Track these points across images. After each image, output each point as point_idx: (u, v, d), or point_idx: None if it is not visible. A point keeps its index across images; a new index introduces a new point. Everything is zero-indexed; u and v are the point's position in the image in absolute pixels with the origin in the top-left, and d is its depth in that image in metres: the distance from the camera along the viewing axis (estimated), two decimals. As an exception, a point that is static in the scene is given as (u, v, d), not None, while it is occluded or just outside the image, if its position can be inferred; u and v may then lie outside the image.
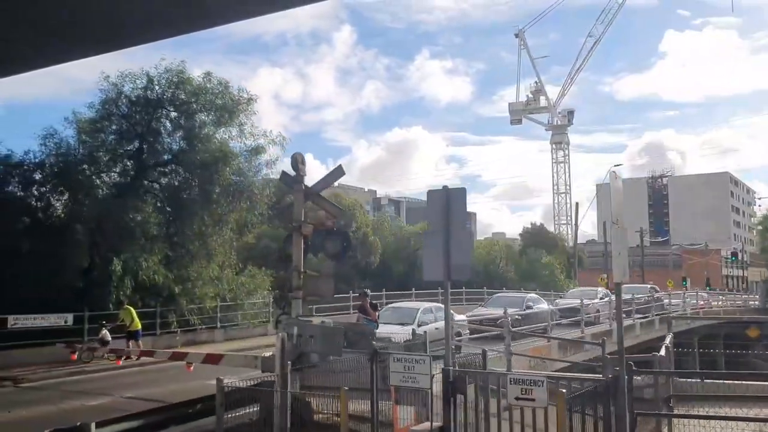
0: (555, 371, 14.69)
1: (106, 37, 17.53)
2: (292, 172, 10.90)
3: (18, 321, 18.35)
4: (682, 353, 21.57)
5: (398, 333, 17.06)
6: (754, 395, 10.64)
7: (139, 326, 19.39)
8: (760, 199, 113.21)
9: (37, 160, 23.30)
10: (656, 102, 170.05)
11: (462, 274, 8.25)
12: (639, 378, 8.84)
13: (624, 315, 26.69)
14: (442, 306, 21.40)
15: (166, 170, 24.21)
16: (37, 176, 23.14)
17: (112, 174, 24.04)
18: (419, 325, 18.02)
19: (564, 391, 7.21)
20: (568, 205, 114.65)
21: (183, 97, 23.59)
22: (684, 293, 42.85)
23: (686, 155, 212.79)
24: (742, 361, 27.53)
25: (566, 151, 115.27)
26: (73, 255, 19.46)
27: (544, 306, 25.44)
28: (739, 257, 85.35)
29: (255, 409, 9.58)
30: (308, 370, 10.28)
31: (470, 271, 8.41)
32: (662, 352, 10.88)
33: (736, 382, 12.13)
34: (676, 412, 9.63)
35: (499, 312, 22.96)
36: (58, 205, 22.43)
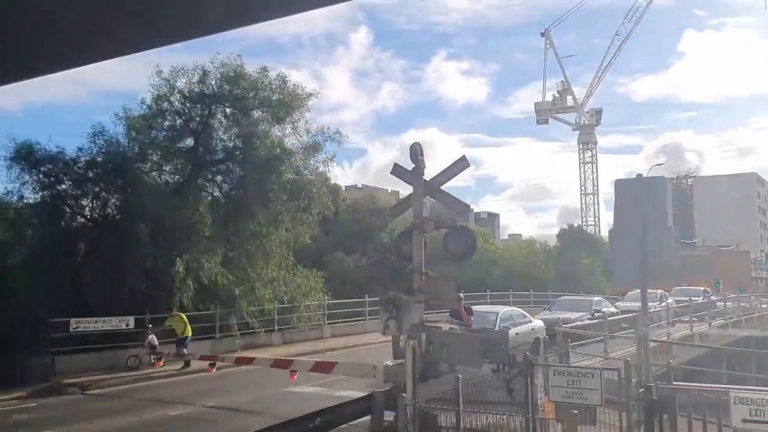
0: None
1: (115, 40, 16.87)
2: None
3: (80, 324, 17.62)
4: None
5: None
6: None
7: (189, 333, 18.69)
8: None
9: (88, 158, 22.68)
10: (674, 103, 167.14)
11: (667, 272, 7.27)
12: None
13: (695, 319, 25.80)
14: (520, 310, 20.58)
15: (221, 168, 23.38)
16: (90, 174, 22.46)
17: (166, 172, 23.25)
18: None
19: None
20: (596, 206, 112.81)
21: (239, 92, 22.76)
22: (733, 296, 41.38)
23: (704, 156, 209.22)
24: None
25: (593, 151, 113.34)
26: (134, 256, 18.71)
27: (611, 309, 24.38)
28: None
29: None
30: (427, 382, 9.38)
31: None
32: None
33: None
34: None
35: (571, 315, 22.04)
36: (112, 204, 21.71)
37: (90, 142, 22.90)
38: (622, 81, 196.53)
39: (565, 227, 60.30)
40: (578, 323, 21.50)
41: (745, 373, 15.23)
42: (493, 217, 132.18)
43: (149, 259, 19.10)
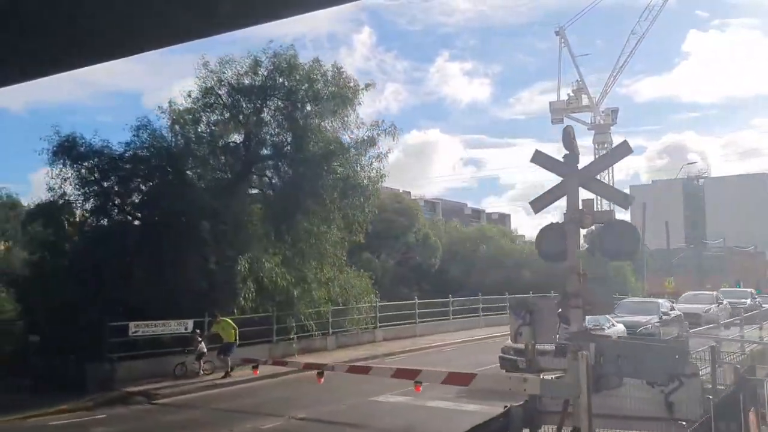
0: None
1: (118, 42, 16.17)
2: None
3: (139, 328, 16.55)
4: None
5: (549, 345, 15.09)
6: None
7: (236, 340, 17.47)
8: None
9: (133, 153, 21.65)
10: (676, 104, 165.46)
11: None
12: None
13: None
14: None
15: (272, 164, 22.32)
16: (136, 170, 21.41)
17: (216, 168, 22.15)
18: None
19: None
20: (612, 206, 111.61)
21: (291, 84, 21.68)
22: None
23: (707, 157, 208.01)
24: None
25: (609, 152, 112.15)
26: (196, 255, 17.64)
27: (676, 311, 23.36)
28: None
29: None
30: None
31: None
32: None
33: None
34: None
35: (640, 318, 20.93)
36: (164, 200, 20.63)
37: (134, 136, 21.98)
38: (625, 82, 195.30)
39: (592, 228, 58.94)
40: (649, 327, 20.49)
41: None
42: (504, 218, 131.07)
43: (211, 258, 17.98)
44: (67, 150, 20.94)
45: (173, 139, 22.52)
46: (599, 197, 12.33)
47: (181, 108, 22.79)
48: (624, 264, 53.99)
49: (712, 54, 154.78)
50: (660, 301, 24.25)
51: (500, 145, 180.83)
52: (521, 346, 15.85)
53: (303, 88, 21.69)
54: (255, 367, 11.19)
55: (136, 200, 20.90)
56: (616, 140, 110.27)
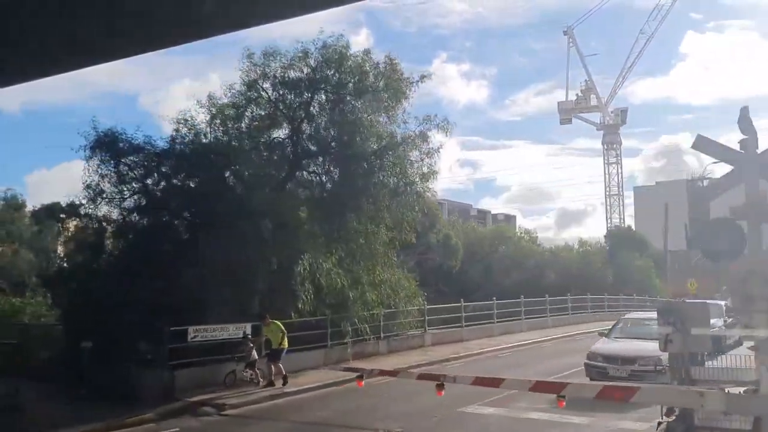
0: None
1: (115, 44, 15.53)
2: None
3: (198, 333, 15.51)
4: None
5: (646, 352, 14.23)
6: None
7: (286, 345, 16.19)
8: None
9: (174, 148, 20.67)
10: (672, 105, 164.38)
11: None
12: None
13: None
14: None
15: (321, 160, 21.29)
16: (179, 166, 20.40)
17: (261, 164, 21.10)
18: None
19: None
20: (622, 207, 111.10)
21: (341, 77, 20.68)
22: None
23: (703, 159, 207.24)
24: None
25: (618, 152, 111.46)
26: (256, 255, 16.60)
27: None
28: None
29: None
30: None
31: None
32: None
33: None
34: None
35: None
36: (209, 199, 19.62)
37: (174, 131, 21.09)
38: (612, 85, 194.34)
39: (612, 228, 58.32)
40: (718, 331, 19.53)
41: None
42: (509, 219, 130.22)
43: (273, 259, 16.95)
44: (106, 145, 20.01)
45: (214, 135, 21.55)
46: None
47: (221, 102, 21.83)
48: (648, 265, 53.20)
49: (709, 55, 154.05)
50: (721, 302, 23.25)
51: (496, 147, 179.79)
52: (612, 352, 15.06)
53: (353, 80, 20.71)
54: (360, 378, 10.12)
55: (181, 198, 19.82)
56: (615, 141, 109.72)
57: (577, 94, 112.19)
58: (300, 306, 17.24)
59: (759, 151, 7.76)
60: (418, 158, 21.32)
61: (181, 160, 20.22)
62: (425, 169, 21.36)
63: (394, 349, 21.33)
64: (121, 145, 20.09)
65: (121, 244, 19.39)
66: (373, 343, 20.52)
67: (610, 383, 8.65)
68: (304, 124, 21.14)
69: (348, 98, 20.83)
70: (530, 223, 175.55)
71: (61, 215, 47.44)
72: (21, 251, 39.05)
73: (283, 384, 15.74)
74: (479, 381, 8.78)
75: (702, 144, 8.15)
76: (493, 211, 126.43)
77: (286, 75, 21.13)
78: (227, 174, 20.27)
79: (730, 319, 21.08)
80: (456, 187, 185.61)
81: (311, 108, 21.25)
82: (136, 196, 20.22)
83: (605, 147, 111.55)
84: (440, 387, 9.67)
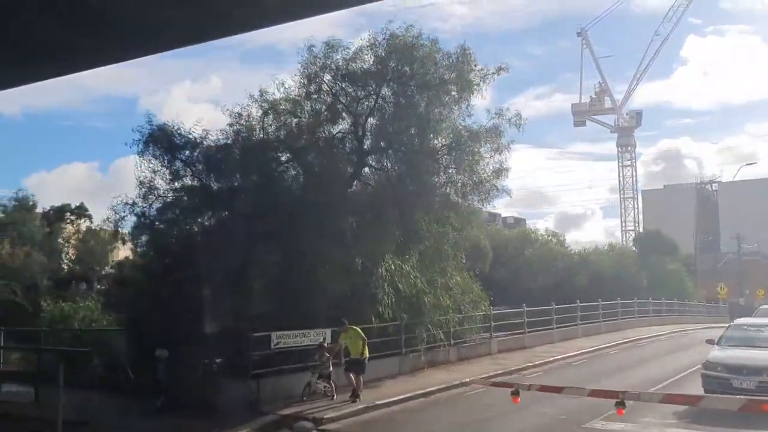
0: None
1: (112, 47, 14.55)
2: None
3: (281, 339, 14.37)
4: None
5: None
6: None
7: (367, 354, 14.81)
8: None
9: (232, 145, 19.60)
10: (671, 109, 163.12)
11: None
12: None
13: None
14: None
15: (387, 156, 20.10)
16: (236, 162, 19.29)
17: (323, 161, 19.96)
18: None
19: None
20: (636, 210, 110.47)
21: (408, 69, 19.46)
22: None
23: (703, 163, 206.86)
24: None
25: (633, 154, 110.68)
26: (338, 257, 15.46)
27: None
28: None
29: None
30: None
31: None
32: None
33: None
34: None
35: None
36: (280, 196, 18.51)
37: (229, 125, 20.00)
38: (619, 89, 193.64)
39: (641, 231, 57.25)
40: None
41: None
42: (519, 222, 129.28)
43: (356, 259, 15.81)
44: (161, 140, 18.99)
45: (270, 130, 20.46)
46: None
47: (275, 97, 20.72)
48: (680, 268, 52.13)
49: (709, 59, 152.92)
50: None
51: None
52: (735, 361, 13.91)
53: (422, 72, 19.54)
54: (515, 394, 8.92)
55: (243, 196, 18.69)
56: (614, 146, 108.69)
57: (591, 97, 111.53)
58: (381, 311, 16.08)
59: None
60: (487, 154, 20.20)
61: (239, 156, 19.14)
62: (495, 167, 20.23)
63: (464, 357, 20.23)
64: (175, 139, 19.10)
65: (181, 245, 18.23)
66: (443, 351, 19.41)
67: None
68: (370, 119, 20.00)
69: (416, 90, 19.65)
70: (530, 226, 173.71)
71: (71, 216, 46.76)
72: (33, 254, 38.02)
73: (352, 398, 14.05)
74: (669, 398, 7.62)
75: None
76: (503, 214, 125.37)
77: (349, 67, 20.02)
78: (290, 171, 19.17)
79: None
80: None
81: (376, 101, 20.12)
82: (193, 194, 19.16)
83: (620, 149, 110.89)
84: (516, 394, 8.74)
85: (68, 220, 46.50)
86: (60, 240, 45.21)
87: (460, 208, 20.14)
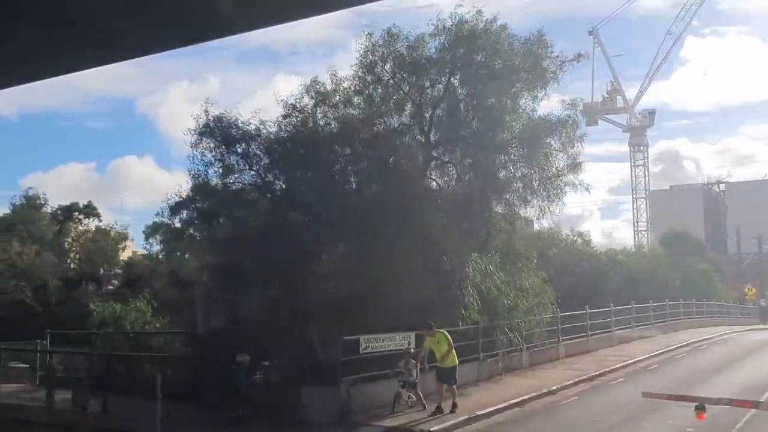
0: None
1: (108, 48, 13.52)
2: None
3: (369, 344, 13.24)
4: None
5: None
6: None
7: (456, 361, 13.66)
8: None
9: (290, 137, 18.52)
10: (669, 110, 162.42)
11: None
12: None
13: None
14: None
15: (456, 150, 18.97)
16: (294, 156, 18.19)
17: (388, 155, 18.82)
18: None
19: None
20: (648, 211, 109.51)
21: (477, 57, 18.41)
22: None
23: (701, 164, 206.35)
24: None
25: (645, 154, 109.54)
26: (425, 256, 14.37)
27: None
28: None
29: None
30: None
31: None
32: None
33: None
34: None
35: None
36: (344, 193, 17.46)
37: (282, 117, 18.87)
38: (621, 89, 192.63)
39: (666, 231, 56.21)
40: None
41: None
42: (527, 222, 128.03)
43: (443, 258, 14.71)
44: (214, 132, 17.95)
45: (325, 122, 19.36)
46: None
47: (328, 88, 19.56)
48: (710, 269, 51.04)
49: (708, 60, 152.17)
50: None
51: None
52: None
53: (493, 60, 18.43)
54: (700, 410, 7.76)
55: (307, 192, 17.57)
56: (613, 147, 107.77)
57: (603, 96, 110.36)
58: (465, 314, 14.99)
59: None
60: (560, 147, 19.11)
61: (298, 150, 18.06)
62: (568, 161, 19.12)
63: (536, 362, 19.17)
64: (230, 131, 18.07)
65: (243, 243, 17.08)
66: (517, 356, 18.33)
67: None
68: (437, 110, 18.89)
69: (487, 80, 18.53)
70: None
71: (79, 216, 45.56)
72: (43, 253, 36.90)
73: (434, 412, 12.80)
74: None
75: None
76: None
77: (412, 55, 18.90)
78: (356, 165, 18.08)
79: None
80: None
81: (442, 92, 19.00)
82: (252, 189, 18.11)
83: (632, 149, 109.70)
84: (701, 410, 7.53)
85: (76, 220, 45.42)
86: (69, 239, 44.09)
87: (532, 205, 19.09)
